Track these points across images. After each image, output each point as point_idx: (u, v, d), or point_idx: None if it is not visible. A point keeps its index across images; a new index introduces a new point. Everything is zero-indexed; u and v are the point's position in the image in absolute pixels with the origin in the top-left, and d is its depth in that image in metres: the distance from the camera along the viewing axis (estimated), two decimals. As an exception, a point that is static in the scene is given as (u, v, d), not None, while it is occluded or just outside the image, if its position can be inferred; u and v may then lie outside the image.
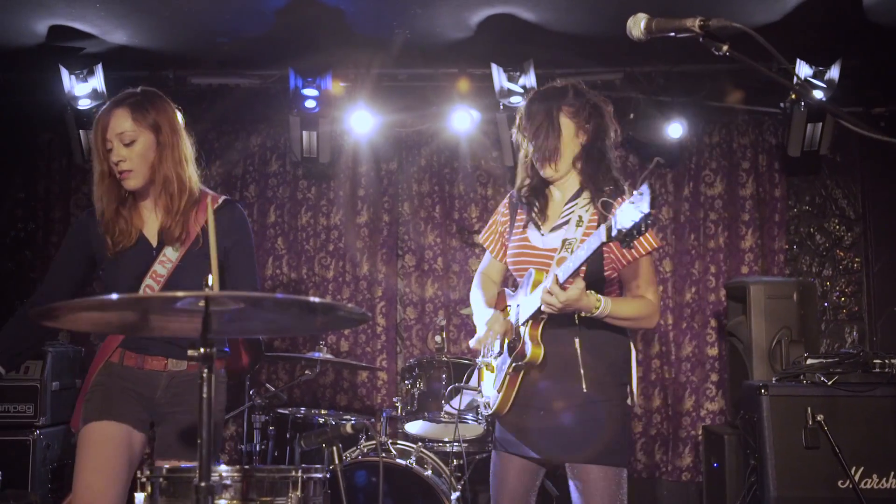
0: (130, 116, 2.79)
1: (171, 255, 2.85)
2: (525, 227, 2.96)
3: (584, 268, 2.59)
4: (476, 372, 3.13)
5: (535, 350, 2.75)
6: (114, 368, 2.87)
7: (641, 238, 2.64)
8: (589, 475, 2.73)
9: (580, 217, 2.78)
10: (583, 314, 2.68)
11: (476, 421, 4.41)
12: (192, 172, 2.92)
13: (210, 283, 1.92)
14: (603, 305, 2.65)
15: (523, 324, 2.80)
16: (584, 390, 2.73)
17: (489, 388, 2.94)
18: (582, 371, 2.74)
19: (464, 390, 3.89)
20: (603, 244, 2.45)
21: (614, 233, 2.38)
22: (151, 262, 2.85)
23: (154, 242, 2.88)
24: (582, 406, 2.74)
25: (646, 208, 2.26)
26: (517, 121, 2.98)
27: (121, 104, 2.81)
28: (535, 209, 2.93)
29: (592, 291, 2.65)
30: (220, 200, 2.97)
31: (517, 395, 2.83)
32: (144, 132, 2.81)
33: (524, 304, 2.83)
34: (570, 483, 2.79)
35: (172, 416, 2.86)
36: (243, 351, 3.24)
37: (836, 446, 3.98)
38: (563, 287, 2.58)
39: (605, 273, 2.80)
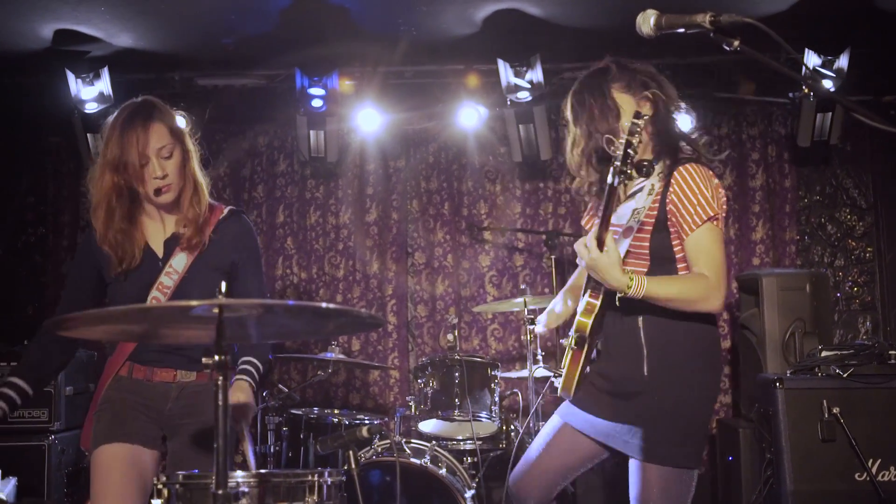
0: (168, 131, 2.79)
1: (177, 266, 2.86)
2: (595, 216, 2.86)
3: (627, 242, 2.59)
4: None
5: (582, 319, 2.64)
6: (123, 382, 2.88)
7: (686, 211, 2.56)
8: (639, 471, 2.62)
9: (652, 186, 2.63)
10: (619, 294, 2.54)
11: (490, 419, 4.41)
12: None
13: (223, 290, 1.92)
14: (635, 285, 2.50)
15: (583, 294, 2.69)
16: (645, 376, 2.60)
17: (563, 366, 2.86)
18: (645, 353, 2.61)
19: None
20: (612, 186, 2.48)
21: (611, 174, 2.47)
22: (158, 274, 2.85)
23: (160, 253, 2.88)
24: (643, 394, 2.60)
25: (623, 136, 2.38)
26: (566, 116, 2.82)
27: (152, 118, 2.78)
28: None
29: (630, 270, 2.54)
30: (226, 211, 2.98)
31: (581, 373, 2.72)
32: (177, 144, 2.82)
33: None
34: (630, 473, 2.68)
35: (184, 427, 2.86)
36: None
37: (853, 439, 3.96)
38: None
39: (675, 250, 2.63)
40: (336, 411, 4.65)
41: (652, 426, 2.57)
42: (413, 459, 4.15)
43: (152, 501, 2.35)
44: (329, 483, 2.36)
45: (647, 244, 2.61)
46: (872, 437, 4.00)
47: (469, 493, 4.15)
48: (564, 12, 4.92)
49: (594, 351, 2.76)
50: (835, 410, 4.00)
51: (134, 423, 2.83)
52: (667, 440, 2.56)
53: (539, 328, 3.07)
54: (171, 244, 2.88)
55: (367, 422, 4.46)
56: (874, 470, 3.96)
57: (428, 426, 4.56)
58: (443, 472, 4.14)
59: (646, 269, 2.63)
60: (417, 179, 6.11)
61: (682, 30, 2.16)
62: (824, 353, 4.23)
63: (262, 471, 2.35)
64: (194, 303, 1.79)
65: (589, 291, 2.66)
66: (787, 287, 4.83)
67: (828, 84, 4.98)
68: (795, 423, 4.03)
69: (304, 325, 2.23)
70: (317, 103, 5.37)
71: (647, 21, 2.20)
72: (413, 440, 4.37)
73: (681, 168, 2.60)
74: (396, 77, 5.71)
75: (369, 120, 5.62)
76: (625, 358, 2.66)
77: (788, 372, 4.34)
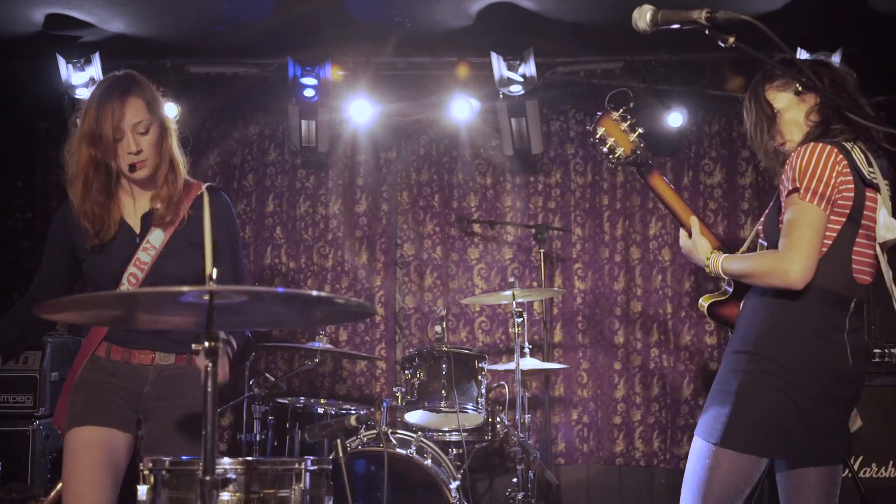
0: (145, 106, 2.75)
1: (154, 242, 2.82)
2: None
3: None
4: None
5: (701, 302, 2.83)
6: (100, 363, 2.85)
7: (783, 185, 2.53)
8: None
9: None
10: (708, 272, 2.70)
11: (476, 411, 4.42)
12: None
13: (214, 276, 1.92)
14: (711, 261, 2.65)
15: None
16: (729, 356, 2.60)
17: None
18: (737, 335, 2.62)
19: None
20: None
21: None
22: (135, 250, 2.82)
23: (137, 229, 2.85)
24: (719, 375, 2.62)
25: None
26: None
27: (130, 93, 2.74)
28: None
29: (710, 248, 2.70)
30: (204, 187, 2.94)
31: None
32: (155, 120, 2.78)
33: None
34: None
35: (160, 411, 2.83)
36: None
37: (836, 436, 3.98)
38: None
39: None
40: (322, 401, 4.65)
41: (712, 402, 2.55)
42: (399, 450, 4.16)
43: (138, 487, 2.34)
44: (316, 471, 2.37)
45: (763, 227, 2.66)
46: (855, 434, 4.01)
47: (454, 485, 4.16)
48: (559, 6, 4.92)
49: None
50: (819, 408, 4.02)
51: (109, 405, 2.80)
52: (717, 417, 2.50)
53: None
54: (148, 220, 2.85)
55: (353, 411, 4.46)
56: (856, 466, 3.99)
57: (414, 417, 4.57)
58: (428, 462, 4.16)
59: None
60: (408, 171, 6.10)
61: (677, 25, 2.17)
62: (810, 351, 4.25)
63: (250, 458, 2.35)
64: (185, 288, 1.79)
65: (725, 281, 2.80)
66: (774, 285, 4.85)
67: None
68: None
69: (293, 314, 2.23)
70: (309, 93, 5.36)
71: (643, 16, 2.21)
72: (399, 431, 4.39)
73: (794, 151, 2.57)
74: (389, 68, 5.70)
75: (361, 111, 5.61)
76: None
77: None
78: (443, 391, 4.36)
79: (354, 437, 4.31)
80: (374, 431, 4.33)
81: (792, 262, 2.40)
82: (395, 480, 4.15)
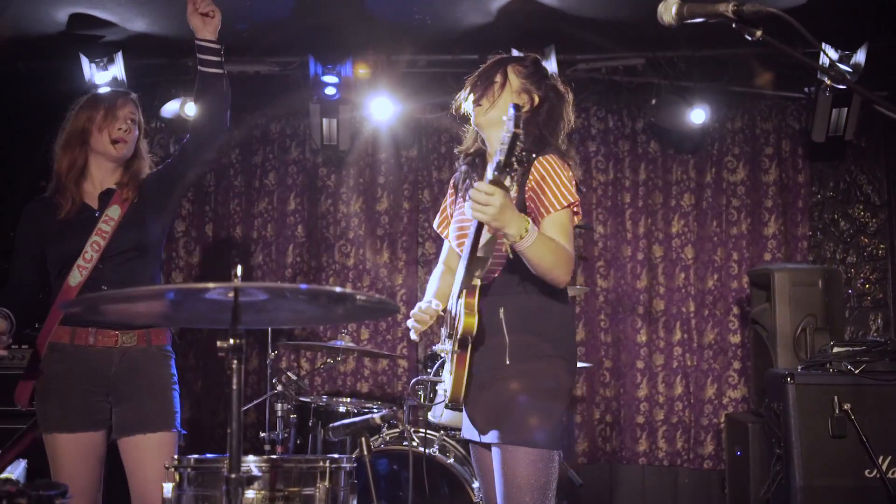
0: (138, 110, 3.27)
1: (112, 215, 3.13)
2: (464, 200, 2.78)
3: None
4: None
5: (468, 319, 2.54)
6: (65, 350, 3.04)
7: (550, 193, 2.60)
8: (504, 455, 2.55)
9: (509, 178, 2.56)
10: (511, 243, 2.47)
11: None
12: None
13: (239, 273, 1.92)
14: (530, 233, 2.44)
15: (458, 296, 2.60)
16: (507, 363, 2.58)
17: (447, 375, 2.71)
18: (507, 341, 2.58)
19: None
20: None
21: (494, 166, 2.37)
22: (96, 222, 3.12)
23: (96, 206, 3.17)
24: (505, 381, 2.58)
25: (511, 128, 2.26)
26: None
27: (129, 97, 3.28)
28: (473, 178, 2.80)
29: (525, 215, 2.49)
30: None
31: (469, 375, 2.61)
32: (139, 124, 3.28)
33: (458, 276, 2.65)
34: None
35: (129, 392, 3.03)
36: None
37: (863, 435, 3.94)
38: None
39: None
40: (345, 399, 4.65)
41: (514, 409, 2.55)
42: (421, 449, 4.15)
43: (164, 485, 2.35)
44: (340, 469, 2.37)
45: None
46: (883, 433, 3.98)
47: (477, 483, 4.15)
48: (580, 2, 4.89)
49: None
50: (846, 406, 3.98)
51: (82, 407, 3.02)
52: (529, 422, 2.54)
53: (414, 335, 2.82)
54: (106, 197, 3.18)
55: (375, 410, 4.45)
56: (884, 467, 3.94)
57: (436, 416, 4.55)
58: (451, 461, 4.15)
59: (503, 265, 2.64)
60: (429, 169, 6.10)
61: (703, 19, 2.14)
62: (836, 350, 4.21)
63: (274, 456, 2.35)
64: (211, 285, 1.79)
65: (465, 292, 2.57)
66: (799, 282, 4.81)
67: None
68: (806, 418, 4.02)
69: (316, 311, 2.23)
70: (330, 91, 5.36)
71: (668, 10, 2.18)
72: (421, 429, 4.37)
73: (542, 157, 2.65)
74: (410, 66, 5.69)
75: (382, 109, 5.60)
76: (491, 350, 2.62)
77: (799, 367, 4.32)
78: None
79: (377, 436, 4.31)
80: (397, 430, 4.33)
81: (571, 266, 2.57)
82: (418, 479, 4.14)
